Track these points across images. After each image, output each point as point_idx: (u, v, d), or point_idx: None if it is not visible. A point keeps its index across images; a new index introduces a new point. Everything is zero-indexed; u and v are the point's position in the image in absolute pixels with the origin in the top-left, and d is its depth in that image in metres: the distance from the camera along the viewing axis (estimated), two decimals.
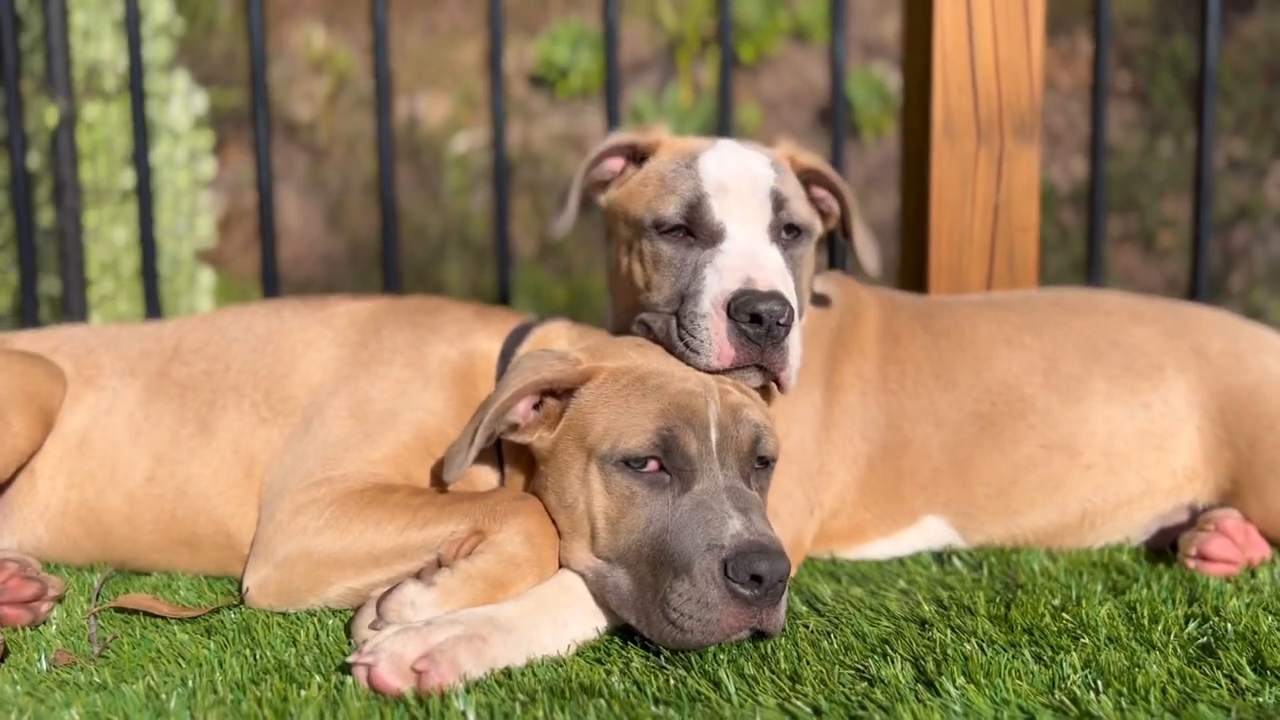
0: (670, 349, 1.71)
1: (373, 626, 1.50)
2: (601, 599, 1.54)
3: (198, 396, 1.86)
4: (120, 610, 1.69)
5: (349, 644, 1.52)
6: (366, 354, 1.82)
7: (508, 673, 1.41)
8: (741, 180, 1.76)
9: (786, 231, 1.78)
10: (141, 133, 2.84)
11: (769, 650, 1.47)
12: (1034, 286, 2.39)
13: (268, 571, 1.62)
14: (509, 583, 1.53)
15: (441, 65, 6.81)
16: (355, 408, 1.74)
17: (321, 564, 1.60)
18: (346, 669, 1.40)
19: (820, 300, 1.96)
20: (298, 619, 1.61)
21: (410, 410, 1.73)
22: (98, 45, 5.76)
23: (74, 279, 3.48)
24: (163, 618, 1.66)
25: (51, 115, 4.66)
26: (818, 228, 1.86)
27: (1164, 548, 1.93)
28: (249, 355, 1.88)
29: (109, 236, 5.41)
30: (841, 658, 1.45)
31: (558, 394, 1.63)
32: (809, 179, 1.90)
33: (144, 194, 2.83)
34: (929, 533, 1.89)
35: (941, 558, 1.89)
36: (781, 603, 1.47)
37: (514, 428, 1.64)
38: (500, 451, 1.73)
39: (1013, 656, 1.42)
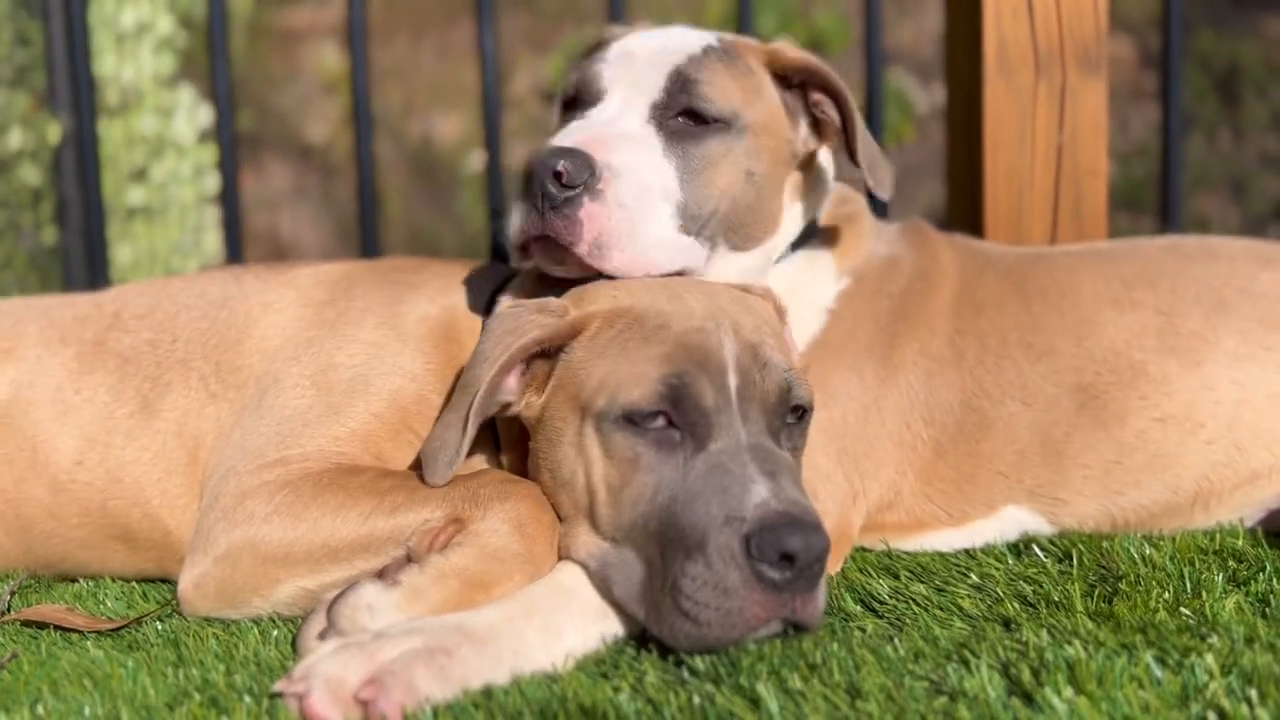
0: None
1: (322, 636, 1.20)
2: (606, 592, 1.25)
3: (139, 370, 1.57)
4: (28, 624, 1.41)
5: (291, 659, 1.22)
6: (333, 313, 1.53)
7: (488, 692, 1.11)
8: (646, 51, 1.53)
9: (687, 117, 1.49)
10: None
11: (819, 657, 1.16)
12: (1104, 239, 2.09)
13: (206, 567, 1.34)
14: (491, 582, 1.23)
15: (455, 85, 6.60)
16: (318, 375, 1.45)
17: (269, 558, 1.31)
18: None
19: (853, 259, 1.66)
20: (238, 630, 1.32)
21: (383, 376, 1.44)
22: (101, 60, 5.55)
23: None
24: (78, 632, 1.37)
25: (54, 132, 4.43)
26: (745, 120, 1.52)
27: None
28: (200, 323, 1.60)
29: (115, 254, 5.18)
30: (910, 666, 1.15)
31: (547, 353, 1.34)
32: (802, 80, 1.59)
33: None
34: (1006, 522, 1.58)
35: (1018, 548, 1.58)
36: (820, 588, 1.19)
37: (505, 406, 1.35)
38: (494, 427, 1.44)
39: (1129, 660, 1.11)
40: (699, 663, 1.17)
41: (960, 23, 2.12)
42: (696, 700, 1.07)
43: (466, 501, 1.28)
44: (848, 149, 1.59)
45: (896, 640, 1.23)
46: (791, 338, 1.50)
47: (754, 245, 1.56)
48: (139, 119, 5.49)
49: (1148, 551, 1.49)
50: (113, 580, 1.56)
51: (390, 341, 1.47)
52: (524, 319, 1.34)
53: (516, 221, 1.42)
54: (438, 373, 1.46)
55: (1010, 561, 1.52)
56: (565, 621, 1.21)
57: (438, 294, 1.54)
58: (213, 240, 5.68)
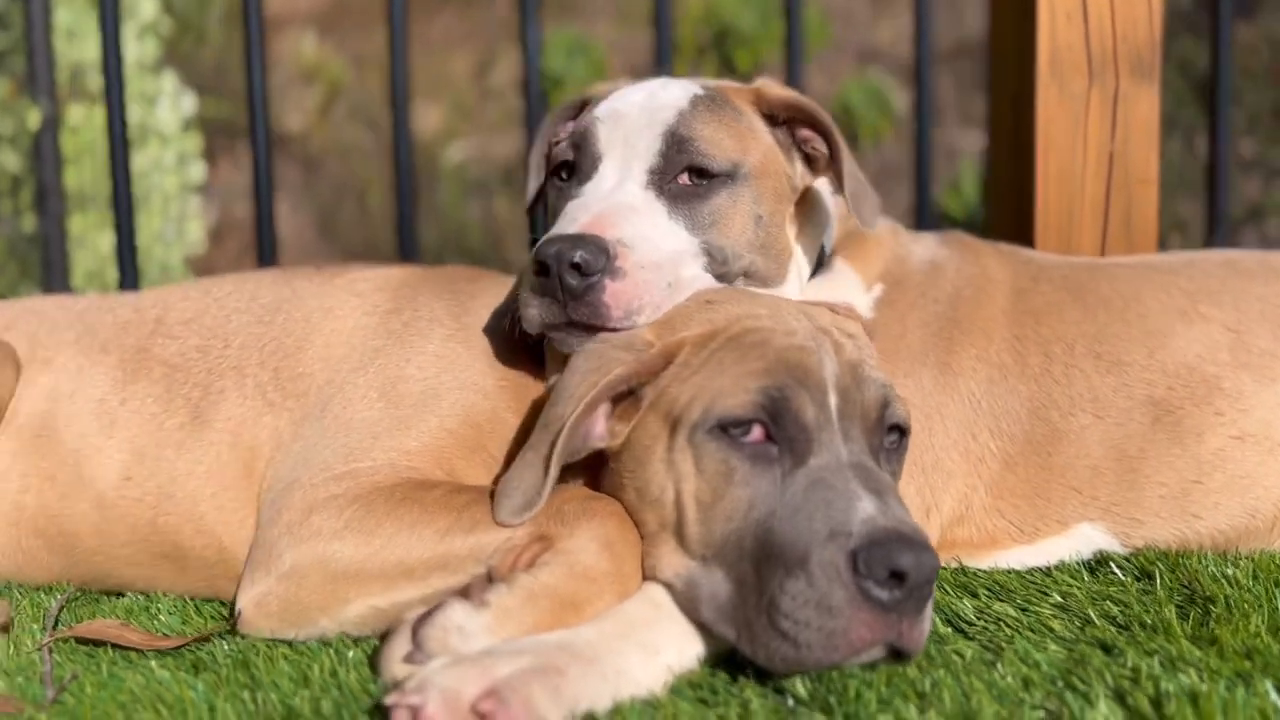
0: None
1: (408, 659, 1.15)
2: (693, 612, 1.20)
3: (189, 378, 1.51)
4: (82, 641, 1.35)
5: (375, 682, 1.17)
6: (399, 323, 1.47)
7: (590, 717, 1.07)
8: (635, 110, 1.49)
9: (694, 175, 1.47)
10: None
11: (927, 685, 1.13)
12: (1153, 249, 2.06)
13: (269, 585, 1.28)
14: (583, 602, 1.19)
15: (434, 76, 6.53)
16: (386, 387, 1.40)
17: (339, 575, 1.26)
18: (381, 712, 1.06)
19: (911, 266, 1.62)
20: (308, 651, 1.27)
21: (456, 390, 1.39)
22: (83, 46, 5.42)
23: (57, 288, 3.22)
24: (136, 650, 1.32)
25: (34, 117, 4.32)
26: (746, 168, 1.51)
27: None
28: (254, 328, 1.53)
29: (95, 243, 5.09)
30: (1022, 694, 1.11)
31: (633, 389, 1.29)
32: (789, 117, 1.57)
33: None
34: (1080, 540, 1.55)
35: (1092, 565, 1.55)
36: (927, 612, 1.14)
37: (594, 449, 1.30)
38: None
39: (1248, 692, 1.09)
40: (800, 688, 1.13)
41: (1010, 27, 2.09)
42: None
43: (551, 519, 1.23)
44: (836, 181, 1.59)
45: (997, 665, 1.19)
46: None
47: (776, 283, 1.54)
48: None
49: (1230, 571, 1.46)
50: (163, 594, 1.50)
51: (461, 354, 1.42)
52: (609, 356, 1.29)
53: (535, 315, 1.37)
54: (511, 389, 1.41)
55: (1087, 579, 1.49)
56: (662, 638, 1.17)
57: (501, 305, 1.49)
58: (196, 229, 5.58)
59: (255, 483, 1.42)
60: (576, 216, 1.41)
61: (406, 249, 2.52)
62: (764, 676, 1.17)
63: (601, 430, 1.29)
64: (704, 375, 1.25)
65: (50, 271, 3.70)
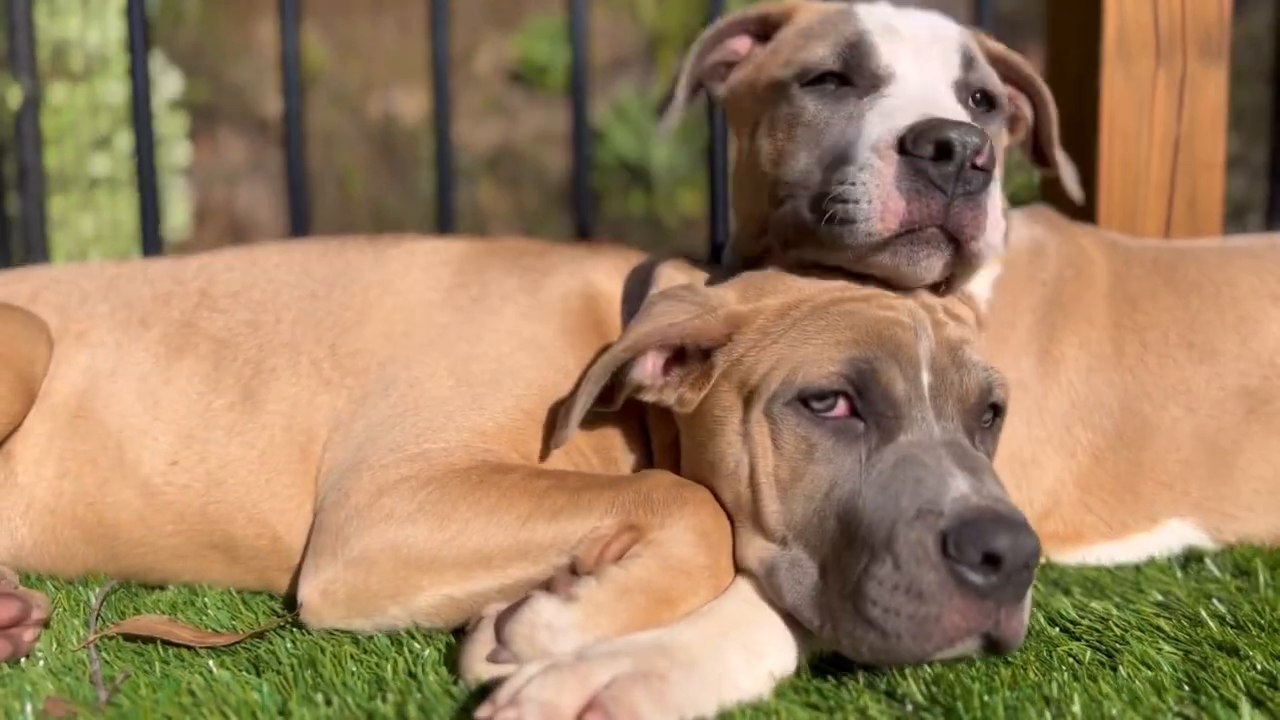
0: (809, 236, 1.26)
1: (492, 658, 1.07)
2: (778, 600, 1.12)
3: (239, 355, 1.42)
4: (130, 638, 1.26)
5: (456, 684, 1.09)
6: (468, 298, 1.39)
7: None
8: (917, 25, 1.35)
9: (977, 101, 1.36)
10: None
11: (1052, 689, 1.06)
12: (1219, 234, 2.00)
13: (336, 571, 1.19)
14: (678, 598, 1.11)
15: (416, 61, 6.44)
16: (458, 365, 1.31)
17: (412, 562, 1.17)
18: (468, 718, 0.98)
19: (1021, 245, 1.54)
20: (377, 650, 1.18)
21: (532, 369, 1.31)
22: (64, 23, 5.29)
23: None
24: (188, 647, 1.23)
25: (15, 96, 4.19)
26: (1006, 115, 1.45)
27: None
28: (307, 302, 1.44)
29: (75, 224, 4.96)
30: (1154, 700, 1.04)
31: (707, 352, 1.22)
32: (998, 71, 1.47)
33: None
34: (1169, 536, 1.48)
35: (1183, 562, 1.48)
36: (1026, 600, 1.05)
37: (639, 388, 1.24)
38: (647, 430, 1.32)
39: None
40: (916, 693, 1.06)
41: (1074, 5, 2.02)
42: None
43: (640, 507, 1.15)
44: (1035, 148, 1.50)
45: (1116, 668, 1.12)
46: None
47: None
48: (104, 85, 5.25)
49: None
50: (209, 587, 1.41)
51: (537, 332, 1.34)
52: (675, 304, 1.24)
53: (897, 205, 1.18)
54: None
55: (1181, 576, 1.42)
56: (765, 639, 1.09)
57: (574, 280, 1.41)
58: (180, 213, 5.46)
59: (312, 466, 1.34)
60: (927, 112, 1.21)
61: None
62: (871, 679, 1.09)
63: (650, 369, 1.23)
64: (785, 344, 1.18)
65: (30, 253, 3.60)
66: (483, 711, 0.94)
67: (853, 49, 1.32)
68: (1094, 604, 1.32)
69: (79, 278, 1.56)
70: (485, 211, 5.94)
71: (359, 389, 1.35)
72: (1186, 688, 1.07)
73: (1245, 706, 1.01)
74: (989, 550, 1.00)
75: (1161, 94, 1.95)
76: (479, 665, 1.08)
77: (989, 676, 1.08)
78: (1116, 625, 1.25)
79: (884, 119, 1.24)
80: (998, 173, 1.24)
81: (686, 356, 1.25)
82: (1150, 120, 1.96)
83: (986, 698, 1.03)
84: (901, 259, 1.22)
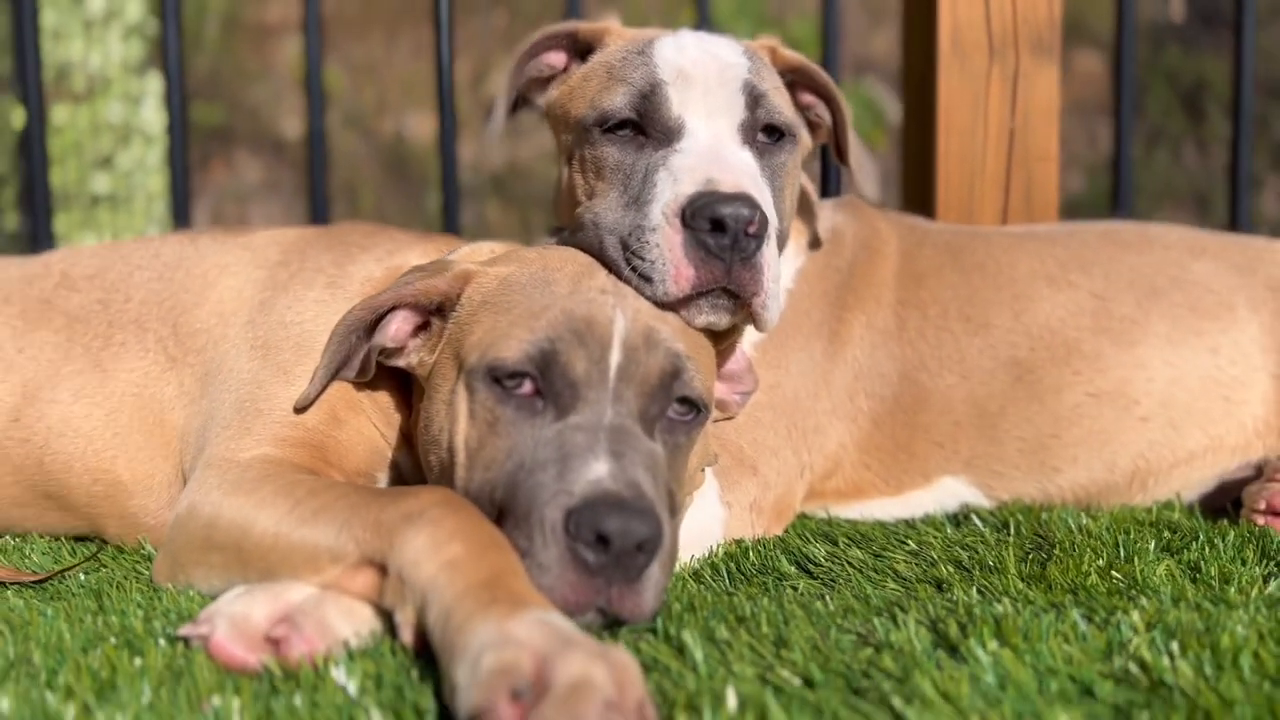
0: (619, 279, 1.34)
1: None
2: None
3: (89, 329, 1.54)
4: None
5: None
6: (286, 274, 1.50)
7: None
8: (707, 68, 1.42)
9: (765, 134, 1.44)
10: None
11: (748, 610, 1.16)
12: (1054, 223, 2.10)
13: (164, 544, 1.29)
14: (494, 580, 1.16)
15: (427, 84, 6.59)
16: (267, 335, 1.43)
17: (209, 538, 1.23)
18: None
19: (816, 236, 1.64)
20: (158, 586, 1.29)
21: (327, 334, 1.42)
22: (68, 46, 5.47)
23: None
24: (2, 584, 1.35)
25: (18, 116, 4.36)
26: (803, 134, 1.54)
27: (1223, 505, 1.62)
28: (154, 284, 1.56)
29: (79, 242, 5.12)
30: (838, 620, 1.14)
31: (442, 310, 1.31)
32: (794, 81, 1.58)
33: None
34: (944, 493, 1.59)
35: (957, 518, 1.58)
36: (645, 583, 1.09)
37: (386, 351, 1.33)
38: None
39: (1056, 618, 1.11)
40: None
41: (915, 6, 2.13)
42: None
43: (374, 536, 1.10)
44: (837, 150, 1.58)
45: (828, 598, 1.22)
46: (742, 349, 1.46)
47: (781, 251, 1.48)
48: (105, 106, 5.43)
49: (1084, 522, 1.49)
50: (40, 536, 1.53)
51: (337, 301, 1.45)
52: (420, 274, 1.33)
53: (687, 271, 1.28)
54: None
55: (949, 531, 1.52)
56: None
57: (384, 255, 1.52)
58: None
59: (171, 435, 1.44)
60: (711, 175, 1.32)
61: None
62: None
63: (394, 337, 1.31)
64: (492, 315, 1.25)
65: None
66: (183, 630, 1.04)
67: (646, 100, 1.40)
68: (852, 552, 1.42)
69: None
70: (492, 228, 6.05)
71: (200, 366, 1.46)
72: (884, 615, 1.17)
73: (912, 626, 1.10)
74: (600, 531, 1.05)
75: (995, 90, 2.06)
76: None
77: (695, 597, 1.18)
78: (855, 567, 1.35)
79: (673, 182, 1.34)
80: (770, 231, 1.32)
81: (429, 323, 1.33)
82: (985, 115, 2.06)
83: (685, 615, 1.14)
84: (692, 314, 1.32)
